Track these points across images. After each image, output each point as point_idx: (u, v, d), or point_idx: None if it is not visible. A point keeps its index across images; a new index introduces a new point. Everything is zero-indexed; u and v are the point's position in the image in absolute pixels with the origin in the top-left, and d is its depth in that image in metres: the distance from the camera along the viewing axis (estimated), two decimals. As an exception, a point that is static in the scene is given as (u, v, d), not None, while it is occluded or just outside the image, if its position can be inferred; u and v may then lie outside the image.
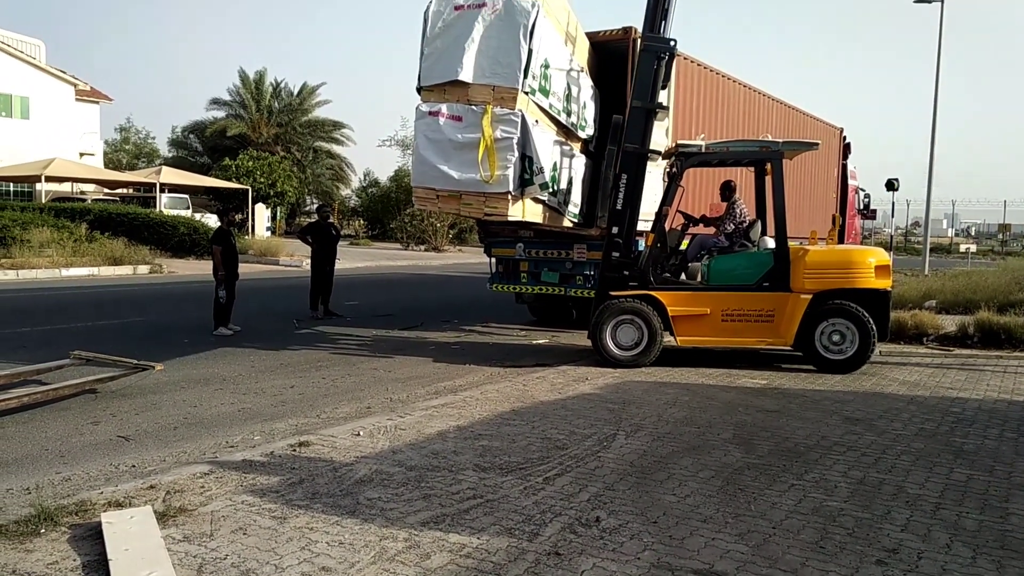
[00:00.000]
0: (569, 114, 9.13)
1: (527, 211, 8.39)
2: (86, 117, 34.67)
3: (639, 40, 8.70)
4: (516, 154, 7.78)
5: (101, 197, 30.78)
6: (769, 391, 7.21)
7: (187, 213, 28.24)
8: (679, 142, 8.98)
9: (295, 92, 43.69)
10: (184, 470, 4.61)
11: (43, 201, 26.67)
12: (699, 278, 8.77)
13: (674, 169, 8.60)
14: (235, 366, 8.33)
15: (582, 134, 9.64)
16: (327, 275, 12.29)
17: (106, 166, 37.79)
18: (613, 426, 5.73)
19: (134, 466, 4.95)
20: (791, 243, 8.41)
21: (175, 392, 7.07)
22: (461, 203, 8.14)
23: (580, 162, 9.63)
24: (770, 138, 8.83)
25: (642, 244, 8.73)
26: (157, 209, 27.55)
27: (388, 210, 39.02)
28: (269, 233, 32.63)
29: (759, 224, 9.03)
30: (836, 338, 8.10)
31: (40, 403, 6.32)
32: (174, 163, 39.76)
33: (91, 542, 3.55)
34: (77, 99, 33.57)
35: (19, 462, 5.04)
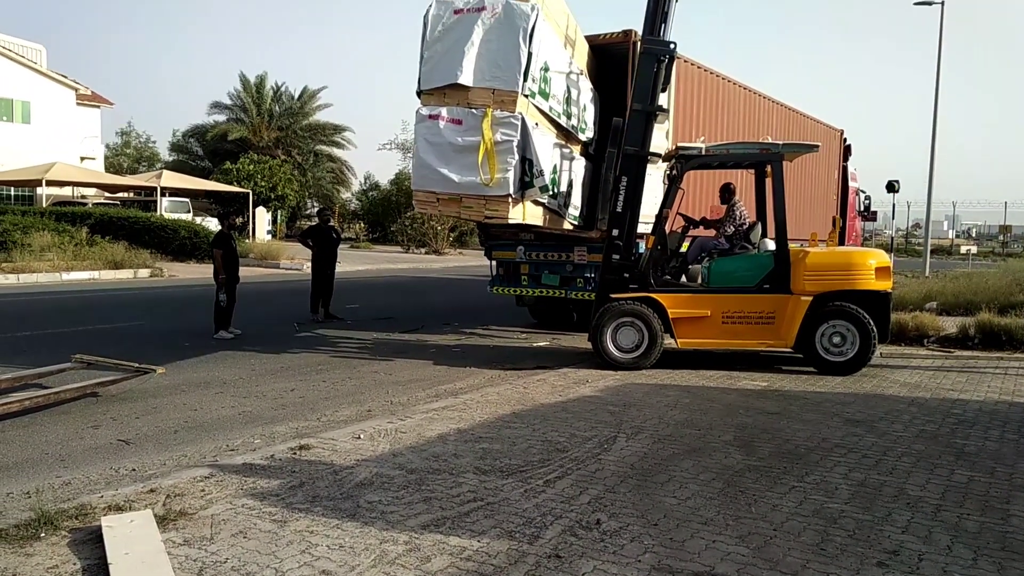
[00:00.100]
0: (569, 117, 9.14)
1: (527, 214, 8.39)
2: (87, 121, 34.75)
3: (639, 43, 8.71)
4: (516, 157, 7.78)
5: (102, 201, 30.82)
6: (770, 393, 7.20)
7: (188, 217, 28.27)
8: (679, 144, 8.99)
9: (296, 96, 43.79)
10: (184, 474, 4.61)
11: (44, 205, 26.72)
12: (699, 280, 8.78)
13: (674, 171, 8.60)
14: (235, 369, 8.34)
15: (582, 137, 9.65)
16: (328, 278, 12.29)
17: (107, 170, 37.89)
18: (614, 428, 5.72)
19: (134, 470, 4.95)
20: (791, 245, 8.41)
21: (175, 396, 7.07)
22: (461, 206, 8.14)
23: (580, 165, 9.64)
24: (770, 140, 8.83)
25: (642, 246, 8.74)
26: (158, 213, 27.60)
27: (389, 213, 39.10)
28: (270, 236, 32.72)
29: (759, 226, 9.03)
30: (837, 340, 8.10)
31: (42, 407, 6.33)
32: (175, 167, 39.86)
33: (91, 546, 3.54)
34: (78, 103, 33.66)
35: (19, 466, 5.04)
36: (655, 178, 9.33)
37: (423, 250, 33.14)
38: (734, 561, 3.44)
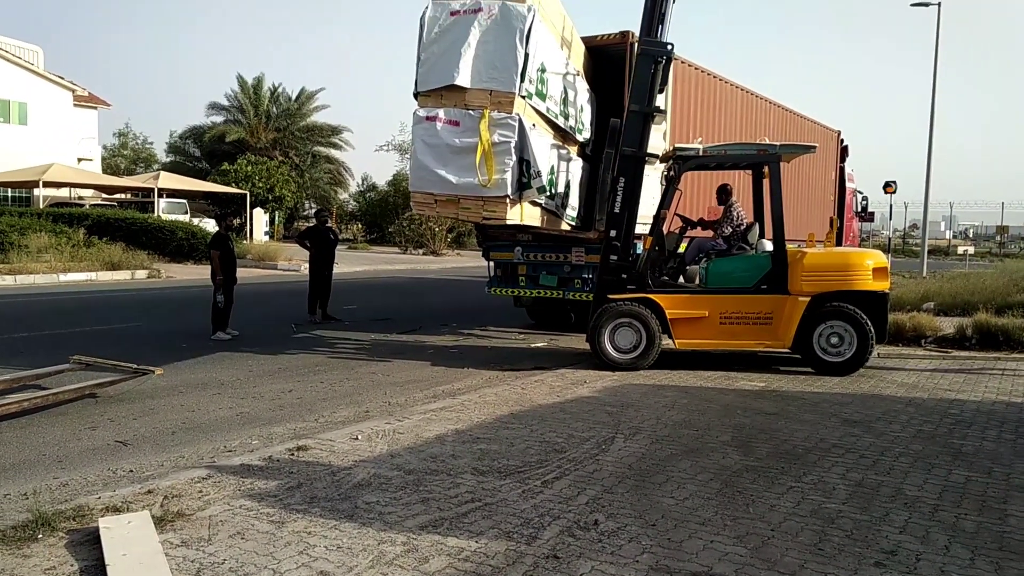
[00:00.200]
0: (567, 118, 9.15)
1: (525, 215, 8.39)
2: (84, 122, 34.69)
3: (636, 44, 8.73)
4: (514, 158, 7.79)
5: (99, 202, 30.78)
6: (767, 393, 7.21)
7: (185, 218, 28.25)
8: (677, 145, 9.01)
9: (293, 97, 43.78)
10: (182, 475, 4.61)
11: (41, 206, 26.69)
12: (697, 281, 8.79)
13: (672, 172, 8.61)
14: (233, 370, 8.33)
15: (579, 137, 9.66)
16: (325, 279, 12.29)
17: (104, 171, 37.85)
18: (611, 429, 5.73)
19: (132, 471, 4.94)
20: (789, 246, 8.42)
21: (173, 397, 7.06)
22: (459, 207, 8.14)
23: (577, 165, 9.65)
24: (767, 141, 8.84)
25: (640, 247, 8.74)
26: (155, 214, 27.56)
27: (386, 214, 39.10)
28: (267, 237, 32.71)
29: (757, 227, 9.04)
30: (834, 340, 8.11)
31: (40, 408, 6.32)
32: (172, 168, 39.82)
33: (89, 547, 3.54)
34: (75, 105, 33.60)
35: (17, 467, 5.03)
36: (653, 179, 9.34)
37: (421, 251, 33.15)
38: (732, 561, 3.45)
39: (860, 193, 21.70)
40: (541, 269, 10.69)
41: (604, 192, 8.61)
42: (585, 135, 9.82)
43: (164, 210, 29.02)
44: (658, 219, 8.56)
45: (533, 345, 10.54)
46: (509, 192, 7.82)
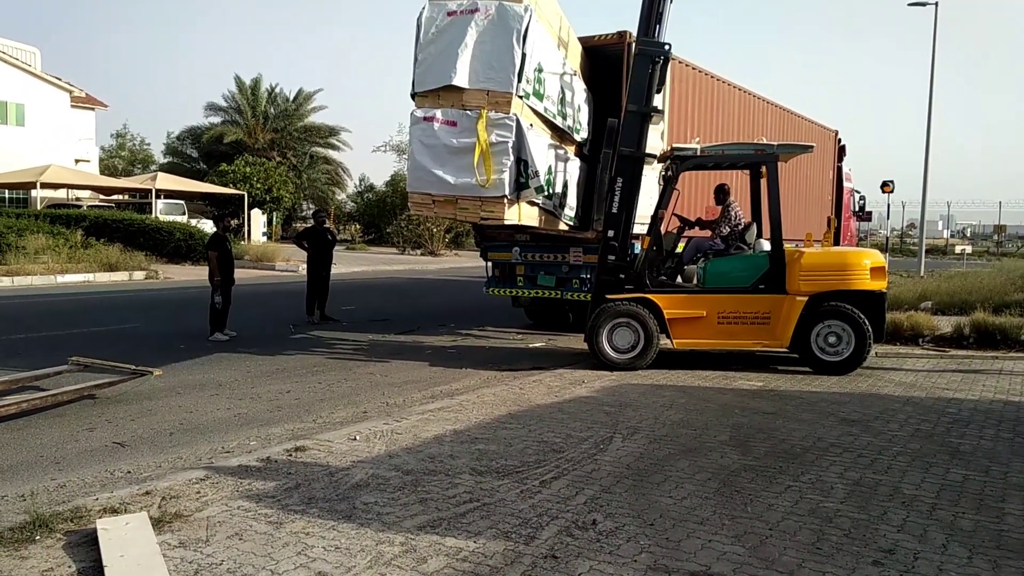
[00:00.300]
0: (564, 118, 9.15)
1: (523, 215, 8.40)
2: (81, 124, 34.68)
3: (634, 44, 8.73)
4: (511, 158, 7.79)
5: (97, 203, 30.73)
6: (765, 393, 7.22)
7: (183, 219, 28.22)
8: (674, 145, 9.01)
9: (291, 98, 43.76)
10: (180, 476, 4.60)
11: (38, 207, 26.65)
12: (695, 281, 8.79)
13: (669, 172, 8.61)
14: (231, 371, 8.32)
15: (577, 137, 9.66)
16: (323, 280, 12.28)
17: (102, 172, 37.80)
18: (609, 429, 5.73)
19: (129, 472, 4.93)
20: (786, 245, 8.42)
21: (171, 398, 7.05)
22: (457, 208, 8.15)
23: (575, 165, 9.65)
24: (765, 141, 8.85)
25: (638, 247, 8.74)
26: (153, 215, 27.54)
27: (384, 215, 39.07)
28: (265, 238, 32.71)
29: (755, 227, 9.05)
30: (832, 340, 8.11)
31: (39, 409, 6.31)
32: (170, 169, 39.79)
33: (86, 549, 3.54)
34: (72, 106, 33.58)
35: (14, 468, 5.03)
36: (650, 179, 9.35)
37: (419, 251, 33.14)
38: (730, 560, 3.45)
39: (858, 192, 21.73)
40: (539, 269, 10.69)
41: (602, 192, 8.61)
42: (583, 135, 9.83)
43: (162, 211, 28.99)
44: (656, 219, 8.56)
45: (531, 345, 10.54)
46: (507, 192, 7.82)
